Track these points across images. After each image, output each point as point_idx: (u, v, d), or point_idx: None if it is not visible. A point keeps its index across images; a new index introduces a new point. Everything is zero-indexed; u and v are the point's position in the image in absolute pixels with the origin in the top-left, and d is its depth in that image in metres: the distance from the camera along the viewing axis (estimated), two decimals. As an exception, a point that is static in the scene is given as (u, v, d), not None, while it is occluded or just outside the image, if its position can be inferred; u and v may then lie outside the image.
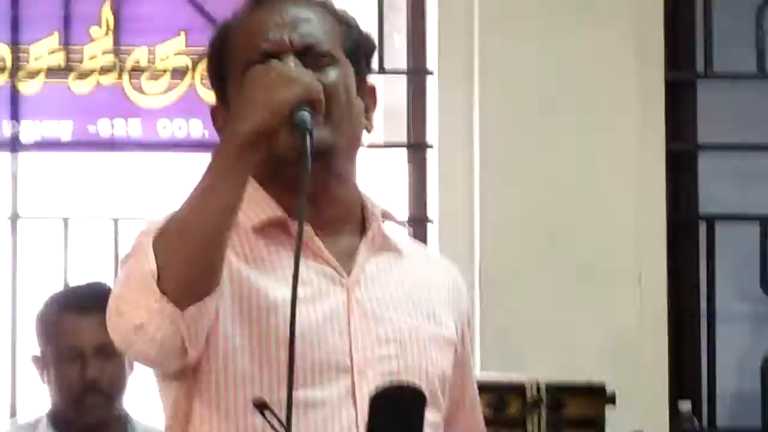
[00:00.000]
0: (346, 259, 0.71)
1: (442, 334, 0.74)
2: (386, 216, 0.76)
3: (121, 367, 1.43)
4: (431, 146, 1.73)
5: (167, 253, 0.60)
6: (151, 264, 0.60)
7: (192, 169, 1.72)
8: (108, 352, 1.34)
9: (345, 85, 0.69)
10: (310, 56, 0.67)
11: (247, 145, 0.60)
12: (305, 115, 0.60)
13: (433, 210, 1.73)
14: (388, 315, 0.72)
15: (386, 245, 0.75)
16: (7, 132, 1.66)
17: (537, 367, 1.57)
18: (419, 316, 0.73)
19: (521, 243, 1.68)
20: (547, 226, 1.67)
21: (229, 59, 0.71)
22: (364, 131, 0.73)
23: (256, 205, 0.70)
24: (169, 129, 1.69)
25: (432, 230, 1.72)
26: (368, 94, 0.73)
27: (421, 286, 0.76)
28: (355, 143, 0.72)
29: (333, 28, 0.72)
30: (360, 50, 0.73)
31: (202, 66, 1.70)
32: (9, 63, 1.66)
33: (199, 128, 1.70)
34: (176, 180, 1.65)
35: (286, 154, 0.63)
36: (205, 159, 1.71)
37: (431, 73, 1.74)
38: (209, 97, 1.68)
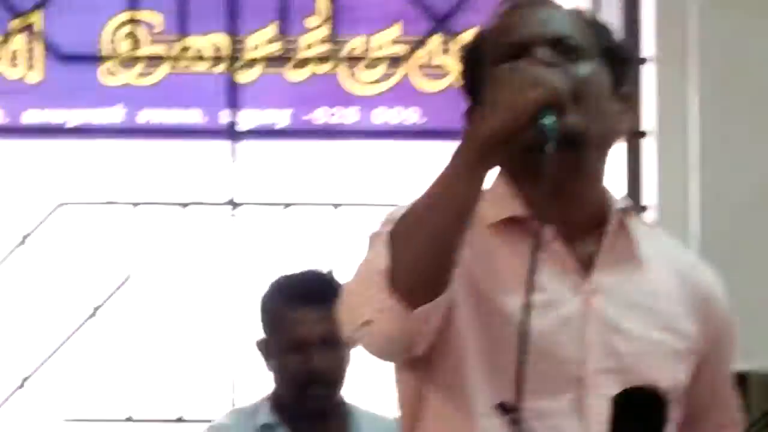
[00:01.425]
0: (586, 264, 0.68)
1: (679, 346, 0.70)
2: (630, 215, 0.72)
3: (344, 357, 1.43)
4: (647, 133, 1.69)
5: (400, 251, 0.60)
6: (384, 261, 0.60)
7: (407, 157, 1.73)
8: (332, 342, 1.33)
9: (597, 81, 0.67)
10: (562, 48, 0.66)
11: (488, 146, 0.59)
12: (550, 117, 0.58)
13: (649, 197, 1.68)
14: (626, 326, 0.69)
15: (628, 251, 0.71)
16: (225, 121, 1.69)
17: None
18: (657, 327, 0.70)
19: (743, 231, 1.63)
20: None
21: (481, 62, 0.70)
22: (616, 136, 0.70)
23: (498, 200, 0.69)
24: (384, 117, 1.69)
25: (648, 218, 1.67)
26: (624, 100, 0.71)
27: (662, 294, 0.72)
28: (605, 141, 0.69)
29: (585, 29, 0.71)
30: (614, 55, 0.71)
31: (418, 55, 1.71)
32: (227, 53, 1.70)
33: (415, 116, 1.70)
34: (392, 167, 1.65)
35: (530, 152, 0.60)
36: (420, 147, 1.70)
37: (647, 61, 1.70)
38: (424, 85, 1.71)
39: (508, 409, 0.59)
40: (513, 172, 0.67)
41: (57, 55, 1.67)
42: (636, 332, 0.69)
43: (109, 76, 1.68)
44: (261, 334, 1.45)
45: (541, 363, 0.63)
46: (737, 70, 1.66)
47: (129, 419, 1.65)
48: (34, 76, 1.68)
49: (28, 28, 1.67)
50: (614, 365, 0.68)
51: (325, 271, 1.49)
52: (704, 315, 0.73)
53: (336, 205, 1.69)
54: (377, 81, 1.69)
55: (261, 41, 1.70)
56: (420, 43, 1.69)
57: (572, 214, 0.68)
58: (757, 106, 1.65)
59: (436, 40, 1.70)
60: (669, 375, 0.69)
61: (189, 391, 1.69)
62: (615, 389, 0.65)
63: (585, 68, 0.66)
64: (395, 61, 1.69)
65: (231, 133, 1.68)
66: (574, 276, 0.67)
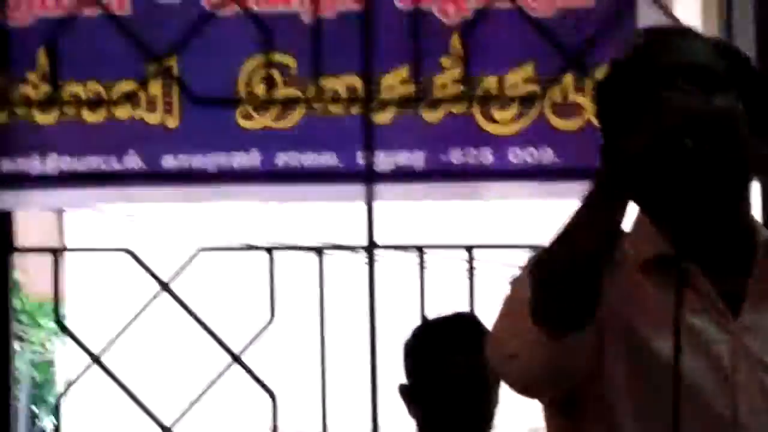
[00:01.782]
0: (734, 300, 0.67)
1: None
2: None
3: (494, 398, 1.43)
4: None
5: (543, 282, 0.60)
6: (528, 294, 0.61)
7: (543, 197, 1.73)
8: (478, 383, 1.34)
9: (736, 113, 0.66)
10: (702, 79, 0.66)
11: (628, 172, 0.60)
12: (690, 143, 0.59)
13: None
14: None
15: None
16: (361, 162, 1.69)
17: None
18: None
19: None
20: None
21: (617, 94, 0.70)
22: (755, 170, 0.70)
23: (643, 238, 0.69)
24: (520, 157, 1.69)
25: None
26: (762, 133, 0.69)
27: None
28: (745, 173, 0.69)
29: (724, 59, 0.70)
30: (752, 86, 0.70)
31: (552, 93, 1.70)
32: (361, 94, 1.70)
33: (550, 156, 1.69)
34: (528, 208, 1.65)
35: (672, 183, 0.61)
36: (555, 187, 1.70)
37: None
38: (559, 124, 1.70)
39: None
40: (655, 210, 0.67)
41: (193, 99, 1.67)
42: None
43: (245, 119, 1.69)
44: (403, 380, 1.46)
45: (693, 406, 0.63)
46: None
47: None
48: (172, 121, 1.68)
49: (164, 71, 1.67)
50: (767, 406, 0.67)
51: (470, 315, 1.50)
52: None
53: (469, 248, 1.70)
54: (512, 120, 1.69)
55: (395, 82, 1.70)
56: (554, 81, 1.68)
57: (717, 248, 0.67)
58: None
59: (569, 78, 1.69)
60: None
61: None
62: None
63: (723, 99, 0.66)
64: (529, 99, 1.69)
65: (367, 175, 1.69)
66: (721, 314, 0.67)
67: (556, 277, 0.61)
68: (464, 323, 1.41)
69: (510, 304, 0.66)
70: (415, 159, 1.69)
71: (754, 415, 0.66)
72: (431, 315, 1.53)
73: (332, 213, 1.72)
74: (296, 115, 1.68)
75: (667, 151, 0.59)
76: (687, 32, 0.77)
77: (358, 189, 1.70)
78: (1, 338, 1.73)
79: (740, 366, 0.66)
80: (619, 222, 0.62)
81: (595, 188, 0.62)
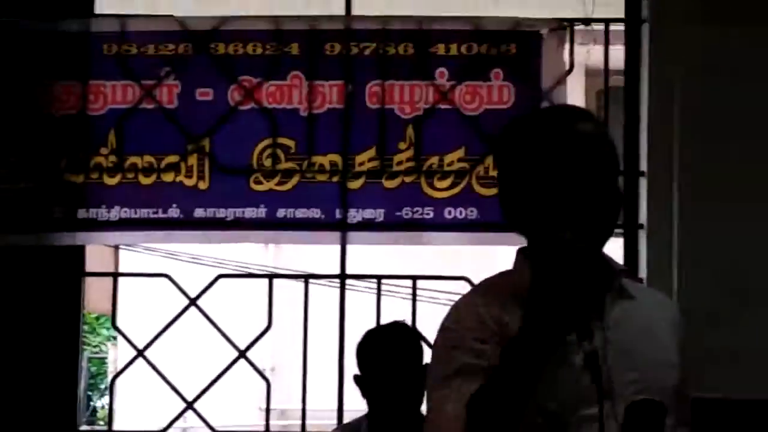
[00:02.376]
0: (600, 309, 0.85)
1: (670, 360, 0.91)
2: (623, 273, 0.94)
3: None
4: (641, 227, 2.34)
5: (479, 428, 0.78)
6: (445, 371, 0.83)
7: (470, 243, 2.37)
8: (413, 375, 1.89)
9: (616, 202, 0.88)
10: (587, 158, 0.85)
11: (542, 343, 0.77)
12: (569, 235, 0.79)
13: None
14: (638, 347, 0.88)
15: (625, 294, 0.90)
16: (338, 216, 2.34)
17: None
18: (654, 347, 0.90)
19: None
20: None
21: (514, 149, 0.90)
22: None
23: (525, 275, 0.84)
24: (453, 214, 2.33)
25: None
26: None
27: (652, 322, 0.92)
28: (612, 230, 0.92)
29: (612, 148, 0.90)
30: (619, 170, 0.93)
31: (478, 169, 2.34)
32: (341, 168, 2.35)
33: (475, 214, 2.32)
34: (458, 251, 2.28)
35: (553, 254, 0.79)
36: (479, 236, 2.38)
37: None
38: (482, 191, 2.34)
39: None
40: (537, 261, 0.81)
41: (220, 167, 2.33)
42: (641, 352, 0.87)
43: (256, 183, 2.34)
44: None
45: (584, 381, 0.78)
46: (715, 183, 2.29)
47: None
48: (203, 184, 2.34)
49: (199, 149, 2.34)
50: (631, 378, 0.85)
51: (405, 324, 2.09)
52: (679, 337, 0.94)
53: (415, 278, 2.35)
54: (448, 188, 2.34)
55: (365, 159, 2.35)
56: (479, 161, 2.34)
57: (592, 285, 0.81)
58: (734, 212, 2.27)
59: (490, 158, 2.34)
60: (669, 383, 0.88)
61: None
62: (635, 396, 0.83)
63: (603, 184, 0.85)
64: (461, 173, 2.34)
65: (342, 225, 2.34)
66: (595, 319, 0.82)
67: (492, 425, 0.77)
68: (402, 328, 2.01)
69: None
70: (378, 214, 2.33)
71: (621, 386, 0.84)
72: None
73: (317, 252, 2.33)
74: (293, 182, 2.33)
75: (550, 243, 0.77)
76: (584, 114, 0.94)
77: (336, 235, 2.35)
78: (72, 342, 2.37)
79: (609, 353, 0.83)
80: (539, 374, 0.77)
81: (516, 355, 0.77)
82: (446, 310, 0.91)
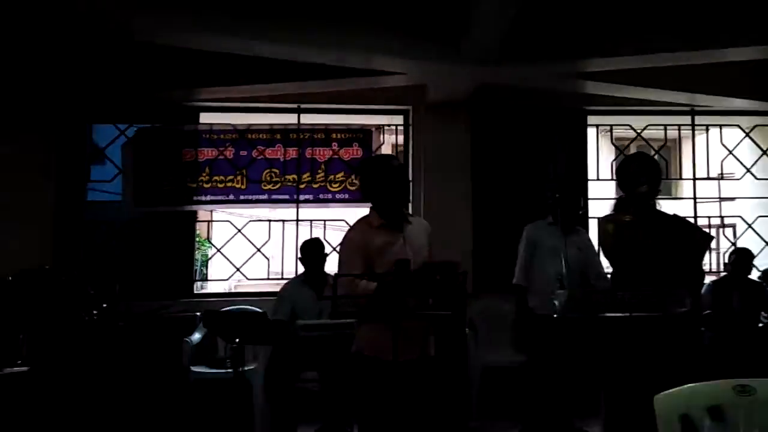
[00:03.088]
0: (401, 229, 3.01)
1: (425, 244, 3.08)
2: (410, 215, 3.12)
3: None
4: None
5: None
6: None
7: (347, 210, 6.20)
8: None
9: (407, 190, 3.16)
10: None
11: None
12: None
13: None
14: (416, 242, 3.02)
15: (408, 221, 3.04)
16: (294, 197, 6.16)
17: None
18: (422, 241, 3.07)
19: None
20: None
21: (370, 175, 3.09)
22: None
23: (374, 218, 3.02)
24: (338, 198, 6.16)
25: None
26: None
27: (419, 230, 3.08)
28: None
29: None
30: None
31: (348, 181, 6.20)
32: (296, 182, 6.17)
33: (346, 197, 6.17)
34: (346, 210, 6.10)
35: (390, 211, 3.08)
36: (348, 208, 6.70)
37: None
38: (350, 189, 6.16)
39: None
40: (381, 210, 3.01)
41: (250, 181, 6.13)
42: (419, 242, 3.02)
43: (264, 185, 6.14)
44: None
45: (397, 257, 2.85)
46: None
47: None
48: (243, 187, 6.12)
49: (242, 174, 6.14)
50: (419, 254, 2.99)
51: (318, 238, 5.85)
52: (427, 237, 3.15)
53: (326, 220, 6.16)
54: (338, 187, 6.17)
55: (306, 177, 6.18)
56: (348, 177, 6.18)
57: (400, 216, 3.07)
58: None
59: (352, 177, 6.19)
60: (424, 254, 3.07)
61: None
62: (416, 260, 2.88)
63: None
64: (342, 182, 6.18)
65: (297, 202, 6.13)
66: (400, 232, 3.00)
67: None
68: (317, 240, 5.69)
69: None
70: (310, 197, 6.15)
71: (411, 255, 2.96)
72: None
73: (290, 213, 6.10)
74: (278, 186, 6.14)
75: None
76: (393, 157, 3.26)
77: (293, 207, 6.15)
78: (191, 246, 6.13)
79: (406, 244, 2.99)
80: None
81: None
82: (343, 233, 3.16)
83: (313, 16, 4.92)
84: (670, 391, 1.60)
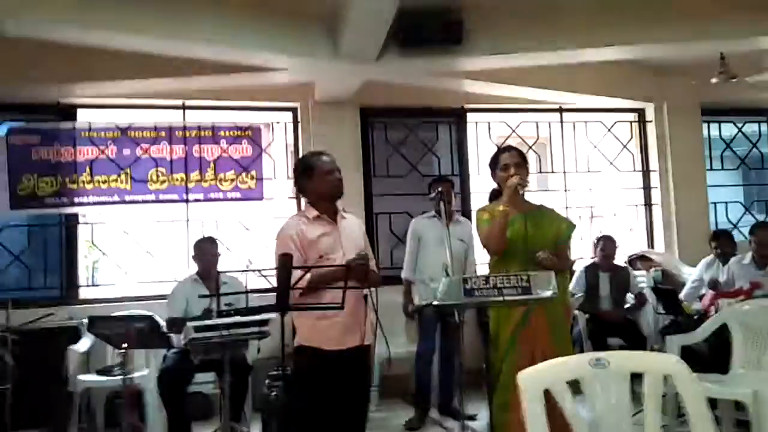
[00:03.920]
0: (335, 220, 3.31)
1: (363, 237, 3.38)
2: (342, 210, 3.35)
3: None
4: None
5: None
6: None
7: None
8: None
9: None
10: None
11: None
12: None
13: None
14: (352, 234, 3.30)
15: (343, 216, 3.31)
16: (185, 197, 6.06)
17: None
18: (359, 235, 3.36)
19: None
20: None
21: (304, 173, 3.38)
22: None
23: (311, 210, 3.32)
24: (231, 196, 6.13)
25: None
26: None
27: (353, 225, 3.37)
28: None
29: None
30: None
31: (240, 180, 6.18)
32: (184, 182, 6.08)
33: (238, 196, 6.15)
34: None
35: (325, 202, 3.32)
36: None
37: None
38: (244, 187, 6.16)
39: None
40: (316, 204, 3.30)
41: (135, 180, 5.97)
42: (354, 235, 3.31)
43: (151, 184, 6.00)
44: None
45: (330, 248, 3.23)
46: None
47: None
48: (128, 187, 5.95)
49: (126, 173, 5.96)
50: (353, 246, 3.23)
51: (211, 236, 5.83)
52: (362, 231, 3.48)
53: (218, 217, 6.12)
54: (229, 186, 6.14)
55: (195, 176, 6.10)
56: (239, 175, 6.17)
57: (335, 210, 3.37)
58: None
59: (243, 174, 6.19)
60: (361, 246, 3.29)
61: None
62: (352, 253, 3.18)
63: None
64: (232, 180, 6.15)
65: (186, 201, 6.04)
66: (335, 224, 3.28)
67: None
68: (211, 238, 5.70)
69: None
70: (200, 196, 6.08)
71: (347, 249, 3.23)
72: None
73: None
74: (165, 185, 6.02)
75: None
76: (323, 152, 3.49)
77: (183, 205, 6.05)
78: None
79: (342, 236, 3.25)
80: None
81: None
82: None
83: (195, 9, 4.84)
84: (533, 367, 1.81)
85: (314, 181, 3.28)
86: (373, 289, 3.19)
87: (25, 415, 4.82)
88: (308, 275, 2.95)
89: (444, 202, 4.98)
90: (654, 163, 7.25)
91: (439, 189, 5.02)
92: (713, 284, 5.33)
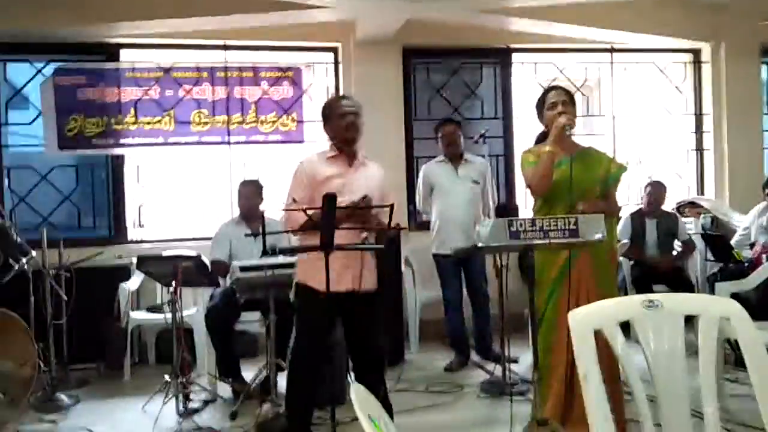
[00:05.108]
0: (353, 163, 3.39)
1: (380, 187, 3.36)
2: (364, 157, 3.42)
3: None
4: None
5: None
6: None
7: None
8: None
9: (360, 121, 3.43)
10: None
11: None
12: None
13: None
14: (361, 180, 3.34)
15: (363, 162, 3.41)
16: (227, 139, 6.08)
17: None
18: (374, 182, 3.36)
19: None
20: None
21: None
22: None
23: (331, 150, 3.40)
24: (272, 138, 6.13)
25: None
26: None
27: (372, 172, 3.41)
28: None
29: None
30: None
31: (283, 123, 6.15)
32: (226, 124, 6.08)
33: (280, 138, 6.15)
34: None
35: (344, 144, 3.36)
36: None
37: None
38: (284, 129, 6.15)
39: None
40: (335, 146, 3.37)
41: (179, 122, 6.00)
42: (369, 183, 3.31)
43: (194, 126, 6.02)
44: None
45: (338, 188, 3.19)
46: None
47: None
48: (171, 128, 5.99)
49: (170, 114, 5.99)
50: (365, 191, 3.19)
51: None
52: (384, 179, 3.51)
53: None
54: (270, 128, 6.13)
55: (236, 118, 6.10)
56: (280, 118, 6.15)
57: (352, 154, 3.40)
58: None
59: (284, 117, 6.16)
60: (375, 196, 3.26)
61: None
62: (360, 194, 3.20)
63: None
64: (273, 123, 6.13)
65: (228, 142, 6.06)
66: (350, 167, 3.35)
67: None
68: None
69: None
70: (241, 138, 6.10)
71: (354, 192, 3.24)
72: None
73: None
74: (208, 127, 6.04)
75: None
76: (348, 96, 3.75)
77: (227, 146, 6.07)
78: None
79: (354, 180, 3.32)
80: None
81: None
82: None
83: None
84: (584, 307, 1.77)
85: (331, 124, 3.37)
86: (375, 235, 3.25)
87: (81, 349, 5.03)
88: (302, 215, 3.01)
89: (447, 145, 5.01)
90: (708, 106, 6.96)
91: (440, 134, 5.11)
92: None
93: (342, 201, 3.04)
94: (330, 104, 3.45)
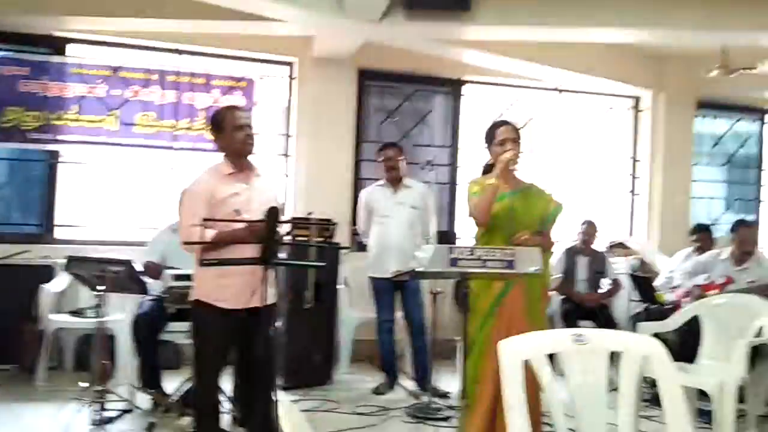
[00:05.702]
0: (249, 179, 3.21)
1: (273, 198, 3.21)
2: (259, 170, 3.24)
3: None
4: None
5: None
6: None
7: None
8: None
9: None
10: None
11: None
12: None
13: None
14: (261, 194, 3.18)
15: (258, 174, 3.22)
16: (171, 144, 5.96)
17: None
18: (268, 193, 3.23)
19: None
20: None
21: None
22: None
23: (225, 168, 3.18)
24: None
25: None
26: None
27: (268, 185, 3.27)
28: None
29: None
30: None
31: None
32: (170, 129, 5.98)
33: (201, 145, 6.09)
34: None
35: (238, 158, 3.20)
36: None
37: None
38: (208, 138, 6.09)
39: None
40: (230, 160, 3.18)
41: (122, 123, 5.85)
42: (265, 195, 3.17)
43: (138, 128, 5.89)
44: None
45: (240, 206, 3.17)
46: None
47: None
48: (116, 128, 5.83)
49: (114, 114, 5.84)
50: (264, 205, 2.85)
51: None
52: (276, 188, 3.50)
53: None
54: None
55: (183, 124, 6.00)
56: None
57: (249, 167, 3.26)
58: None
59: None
60: (276, 204, 3.01)
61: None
62: (264, 209, 2.81)
63: None
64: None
65: (171, 147, 5.96)
66: (246, 183, 3.18)
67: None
68: None
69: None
70: (185, 144, 6.00)
71: (260, 206, 3.00)
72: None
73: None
74: (154, 131, 5.92)
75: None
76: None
77: (170, 151, 5.96)
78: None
79: (253, 195, 3.15)
80: None
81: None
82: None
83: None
84: (514, 337, 1.82)
85: (224, 136, 3.19)
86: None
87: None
88: (213, 232, 2.97)
89: (387, 170, 5.07)
90: (643, 152, 7.27)
91: (381, 158, 5.16)
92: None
93: (247, 217, 3.04)
94: (224, 115, 3.22)
